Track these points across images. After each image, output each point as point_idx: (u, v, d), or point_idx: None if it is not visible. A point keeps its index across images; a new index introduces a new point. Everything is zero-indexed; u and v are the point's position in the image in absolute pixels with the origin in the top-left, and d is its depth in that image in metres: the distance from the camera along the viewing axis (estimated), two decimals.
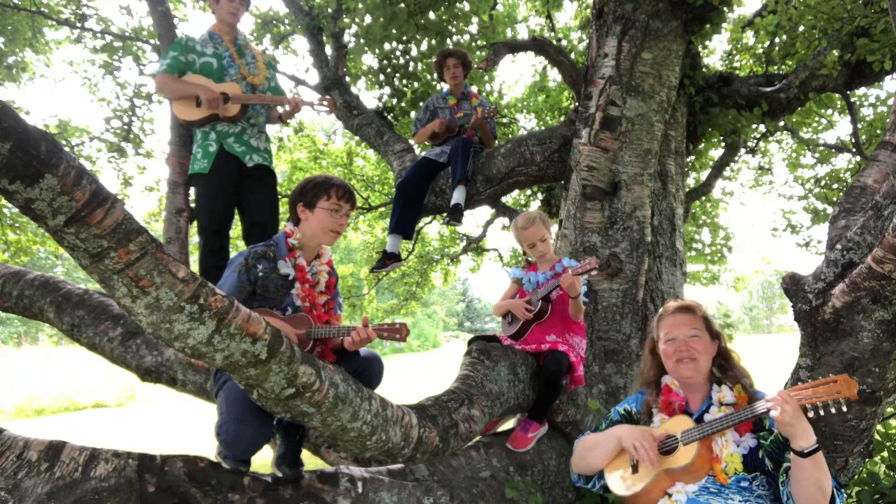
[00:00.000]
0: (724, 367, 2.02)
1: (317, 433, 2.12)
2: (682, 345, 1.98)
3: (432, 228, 10.32)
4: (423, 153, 4.64)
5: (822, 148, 7.53)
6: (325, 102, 3.45)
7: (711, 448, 1.85)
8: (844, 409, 1.59)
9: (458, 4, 5.61)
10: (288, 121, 3.64)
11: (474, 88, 5.14)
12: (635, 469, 1.92)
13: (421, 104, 5.24)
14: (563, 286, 2.77)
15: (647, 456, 1.86)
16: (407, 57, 5.93)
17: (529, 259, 3.22)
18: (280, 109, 3.57)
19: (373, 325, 2.19)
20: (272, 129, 8.73)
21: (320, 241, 2.31)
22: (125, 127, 6.65)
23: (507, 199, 8.02)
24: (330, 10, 5.95)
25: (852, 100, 6.00)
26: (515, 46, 4.73)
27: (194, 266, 3.73)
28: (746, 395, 1.91)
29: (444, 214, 4.33)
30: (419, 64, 6.00)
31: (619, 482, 1.97)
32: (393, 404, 2.17)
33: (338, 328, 2.18)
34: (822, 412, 1.61)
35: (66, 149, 2.36)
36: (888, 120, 2.65)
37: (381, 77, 6.04)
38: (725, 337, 2.09)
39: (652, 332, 2.15)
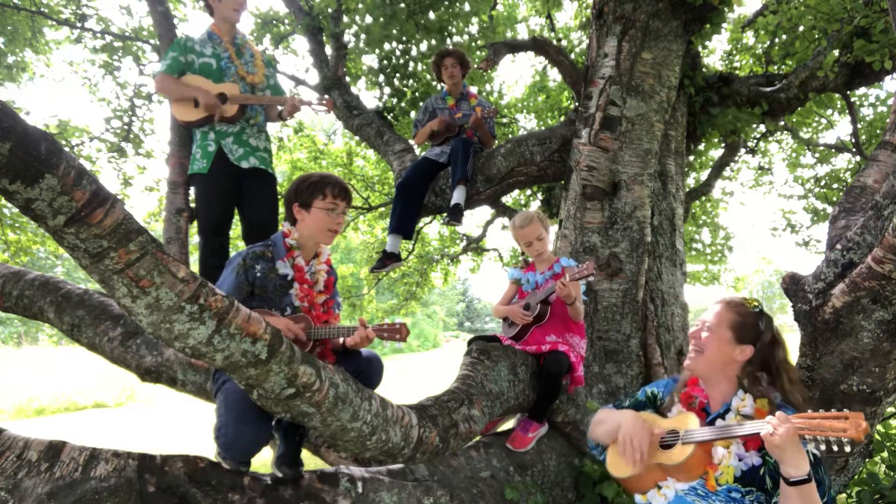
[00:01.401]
0: (757, 380, 1.86)
1: (317, 433, 2.13)
2: (695, 333, 1.92)
3: (432, 228, 10.32)
4: (423, 153, 4.64)
5: (822, 148, 7.53)
6: (323, 102, 3.44)
7: (711, 453, 1.82)
8: (847, 449, 1.46)
9: (458, 4, 5.61)
10: (287, 119, 3.64)
11: (473, 88, 5.14)
12: None
13: (420, 105, 5.24)
14: (559, 295, 2.76)
15: (631, 456, 1.85)
16: (407, 57, 5.93)
17: (528, 259, 3.22)
18: (280, 108, 3.57)
19: (373, 325, 2.19)
20: (272, 129, 8.74)
21: (318, 240, 2.29)
22: (125, 127, 6.65)
23: (507, 199, 8.02)
24: (330, 11, 5.95)
25: (852, 100, 6.00)
26: (515, 46, 4.73)
27: (194, 266, 3.74)
28: (768, 411, 1.77)
29: (444, 214, 4.33)
30: (419, 64, 5.99)
31: (615, 463, 1.97)
32: (393, 404, 2.17)
33: (338, 328, 2.17)
34: (822, 447, 1.51)
35: (66, 149, 2.35)
36: (888, 120, 2.65)
37: (381, 77, 6.04)
38: (783, 351, 1.88)
39: None
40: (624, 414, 2.00)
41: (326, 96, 3.52)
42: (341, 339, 2.22)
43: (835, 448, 1.48)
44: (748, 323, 1.89)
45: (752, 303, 1.94)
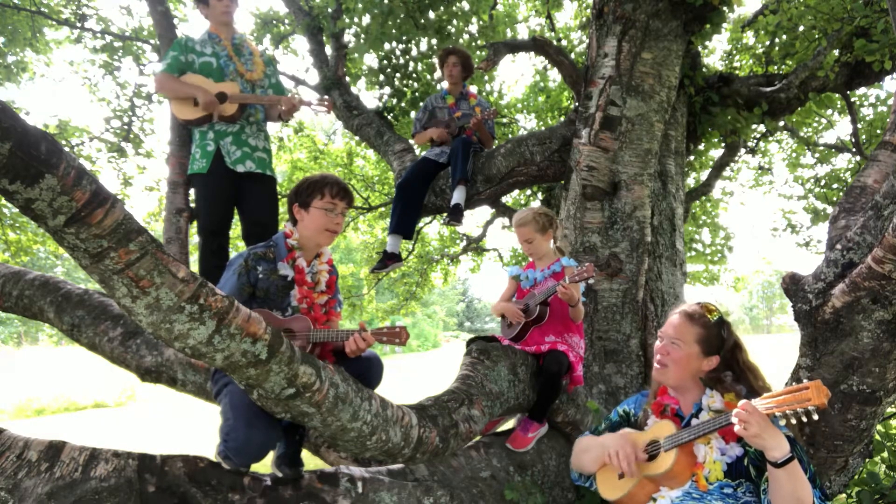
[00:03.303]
0: (721, 380, 1.94)
1: (317, 433, 2.13)
2: (661, 348, 1.97)
3: (432, 228, 10.32)
4: (423, 153, 4.64)
5: (822, 148, 7.53)
6: (324, 103, 3.45)
7: (694, 454, 1.84)
8: (815, 417, 1.52)
9: (457, 3, 5.61)
10: (287, 119, 3.64)
11: (473, 88, 5.14)
12: (621, 475, 1.93)
13: (420, 104, 5.24)
14: (560, 298, 2.76)
15: (624, 466, 1.87)
16: (407, 57, 5.93)
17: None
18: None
19: (372, 328, 2.18)
20: (272, 129, 8.74)
21: (316, 241, 2.28)
22: (125, 127, 6.65)
23: (507, 199, 8.01)
24: (330, 10, 5.96)
25: (852, 100, 6.00)
26: (515, 46, 4.73)
27: (194, 266, 3.74)
28: (737, 404, 1.83)
29: (444, 214, 4.33)
30: (419, 64, 5.99)
31: (606, 486, 2.00)
32: (393, 404, 2.17)
33: (337, 332, 2.16)
34: (793, 420, 1.56)
35: (66, 149, 2.35)
36: (888, 120, 2.65)
37: (381, 77, 6.04)
38: (745, 353, 1.96)
39: None
40: (605, 436, 2.05)
41: (326, 97, 3.52)
42: (341, 342, 2.22)
43: (804, 419, 1.53)
44: (713, 335, 1.95)
45: (712, 311, 1.97)
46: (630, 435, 1.99)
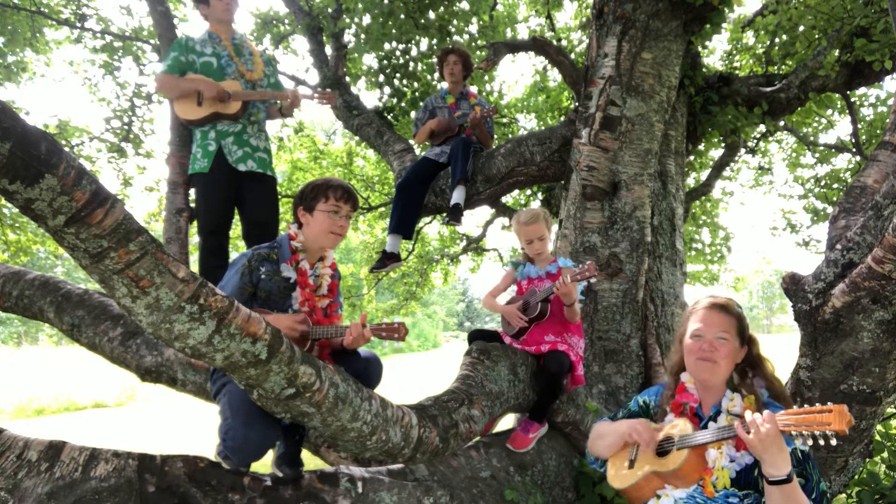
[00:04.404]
0: (745, 375, 1.92)
1: (317, 433, 2.13)
2: (707, 345, 1.88)
3: (432, 228, 10.33)
4: (423, 153, 4.64)
5: (822, 148, 7.53)
6: (325, 95, 3.45)
7: (705, 457, 1.83)
8: (833, 442, 1.47)
9: (457, 3, 5.62)
10: (288, 115, 3.64)
11: (473, 88, 5.13)
12: (631, 465, 1.93)
13: (420, 104, 5.25)
14: (559, 295, 2.75)
15: (643, 438, 1.86)
16: (407, 57, 5.93)
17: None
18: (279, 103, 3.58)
19: (371, 324, 2.19)
20: (272, 129, 8.74)
21: (321, 244, 2.29)
22: (125, 127, 6.65)
23: (507, 199, 8.02)
24: (330, 10, 5.96)
25: (852, 100, 6.00)
26: (515, 46, 4.73)
27: (194, 266, 3.74)
28: (755, 409, 1.80)
29: (444, 214, 4.33)
30: (419, 64, 5.99)
31: (614, 474, 1.99)
32: (393, 404, 2.17)
33: (336, 328, 2.17)
34: (809, 441, 1.52)
35: (66, 149, 2.35)
36: (888, 120, 2.65)
37: (381, 77, 6.04)
38: (759, 344, 1.96)
39: (682, 324, 2.06)
40: (620, 422, 2.04)
41: (328, 90, 3.53)
42: (340, 340, 2.22)
43: (821, 442, 1.49)
44: (744, 324, 1.94)
45: (736, 302, 1.98)
46: (647, 423, 1.99)
